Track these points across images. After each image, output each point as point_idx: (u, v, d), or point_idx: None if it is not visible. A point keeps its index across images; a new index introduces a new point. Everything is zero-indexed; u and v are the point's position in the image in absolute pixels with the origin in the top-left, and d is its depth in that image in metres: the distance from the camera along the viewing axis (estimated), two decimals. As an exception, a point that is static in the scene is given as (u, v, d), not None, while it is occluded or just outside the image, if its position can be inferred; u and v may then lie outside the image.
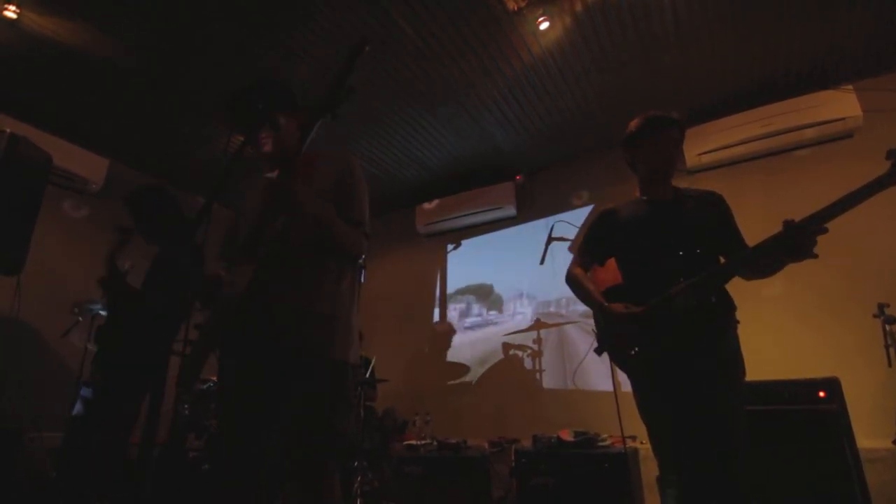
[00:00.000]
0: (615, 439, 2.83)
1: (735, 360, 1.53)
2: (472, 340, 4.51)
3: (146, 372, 2.06)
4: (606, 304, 1.62)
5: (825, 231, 1.36)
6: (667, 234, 1.63)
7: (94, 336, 2.14)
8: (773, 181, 3.39)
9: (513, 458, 2.97)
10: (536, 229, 4.28)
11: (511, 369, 4.18)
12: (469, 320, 4.61)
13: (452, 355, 4.56)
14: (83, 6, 2.68)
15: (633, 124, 1.75)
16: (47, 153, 2.26)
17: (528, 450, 2.93)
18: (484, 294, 4.62)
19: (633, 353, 1.59)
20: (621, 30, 2.87)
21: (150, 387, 2.07)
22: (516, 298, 4.39)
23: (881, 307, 2.51)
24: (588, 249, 1.83)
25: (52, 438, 2.79)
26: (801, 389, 2.22)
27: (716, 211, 1.67)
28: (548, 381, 3.94)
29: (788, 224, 1.39)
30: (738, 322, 1.58)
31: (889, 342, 2.45)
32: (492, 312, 4.51)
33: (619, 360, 1.70)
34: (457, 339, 4.61)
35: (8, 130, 2.06)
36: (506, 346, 4.27)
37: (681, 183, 1.81)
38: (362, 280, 3.49)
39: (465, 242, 4.83)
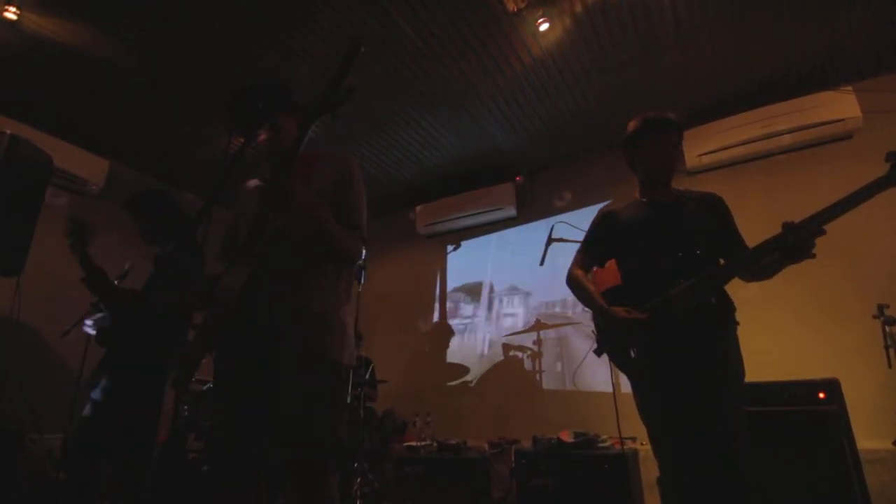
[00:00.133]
0: (615, 440, 2.83)
1: (735, 362, 1.53)
2: (472, 341, 4.51)
3: (150, 372, 2.06)
4: (607, 307, 1.62)
5: (823, 233, 1.37)
6: (667, 235, 1.63)
7: (98, 338, 2.14)
8: (772, 182, 3.39)
9: (513, 458, 2.97)
10: (536, 230, 4.28)
11: (511, 370, 4.18)
12: (469, 320, 4.61)
13: (452, 356, 4.56)
14: (83, 6, 2.68)
15: (632, 125, 1.75)
16: (48, 154, 2.26)
17: (528, 451, 2.93)
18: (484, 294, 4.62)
19: (633, 355, 1.59)
20: (621, 30, 2.87)
21: (155, 387, 2.07)
22: (516, 299, 4.39)
23: (881, 308, 2.51)
24: (588, 250, 1.83)
25: (52, 439, 2.79)
26: (801, 390, 2.22)
27: (716, 213, 1.67)
28: (548, 382, 3.94)
29: (788, 225, 1.40)
30: (737, 323, 1.58)
31: (889, 343, 2.45)
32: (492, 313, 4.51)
33: (619, 362, 1.70)
34: (456, 340, 4.61)
35: (8, 131, 2.06)
36: (506, 347, 4.27)
37: (681, 184, 1.82)
38: (362, 280, 3.50)
39: (464, 243, 4.83)
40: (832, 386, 2.17)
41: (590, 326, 1.94)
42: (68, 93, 3.39)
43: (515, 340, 4.23)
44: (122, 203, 2.28)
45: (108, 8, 2.69)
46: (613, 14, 2.75)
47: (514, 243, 4.54)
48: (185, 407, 2.98)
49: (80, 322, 2.28)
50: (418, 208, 4.82)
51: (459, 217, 4.59)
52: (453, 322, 4.70)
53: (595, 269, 1.85)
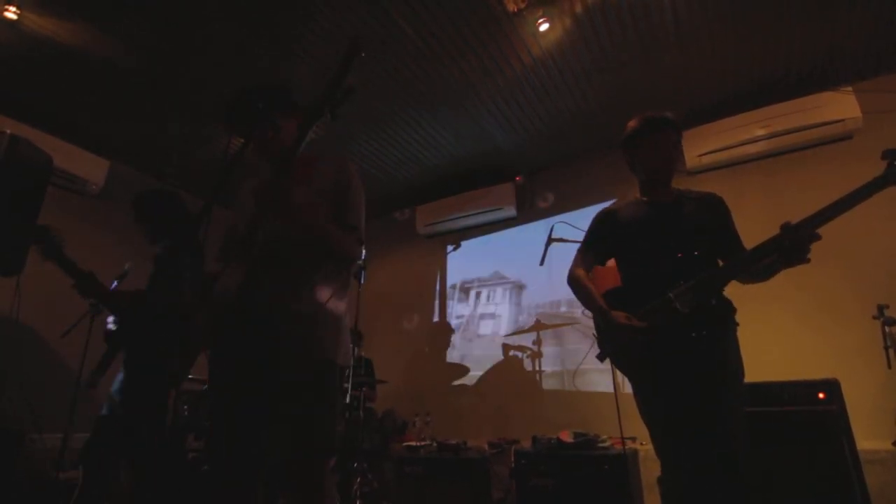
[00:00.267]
0: (615, 440, 2.83)
1: (735, 362, 1.53)
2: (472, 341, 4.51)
3: (150, 372, 2.07)
4: (607, 310, 1.62)
5: (818, 237, 1.38)
6: (666, 235, 1.63)
7: (105, 338, 2.16)
8: (772, 182, 3.39)
9: (512, 459, 2.97)
10: (536, 230, 4.28)
11: (511, 370, 4.18)
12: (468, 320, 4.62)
13: (452, 356, 4.56)
14: (83, 6, 2.68)
15: (631, 125, 1.75)
16: (48, 154, 2.25)
17: (528, 451, 2.92)
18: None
19: (633, 357, 1.59)
20: (621, 30, 2.87)
21: (155, 388, 2.07)
22: (516, 299, 4.39)
23: (881, 308, 2.51)
24: (589, 250, 1.83)
25: (52, 439, 2.79)
26: (801, 391, 2.22)
27: (716, 213, 1.67)
28: (547, 382, 3.94)
29: (785, 226, 1.40)
30: (737, 324, 1.58)
31: (888, 343, 2.45)
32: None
33: (619, 364, 1.70)
34: (456, 339, 4.61)
35: (8, 131, 2.06)
36: (505, 347, 4.27)
37: (681, 184, 1.81)
38: (362, 280, 3.50)
39: (464, 243, 4.84)
40: (832, 386, 2.17)
41: (590, 326, 1.94)
42: (68, 93, 3.39)
43: (515, 340, 4.23)
44: (131, 201, 2.27)
45: (108, 8, 2.69)
46: (613, 14, 2.75)
47: (514, 243, 4.54)
48: (185, 407, 2.98)
49: (81, 321, 2.29)
50: (418, 208, 4.83)
51: (459, 217, 4.59)
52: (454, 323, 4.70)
53: (595, 268, 1.85)
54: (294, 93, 1.55)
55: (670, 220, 1.66)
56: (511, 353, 4.23)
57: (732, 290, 1.61)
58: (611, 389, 2.68)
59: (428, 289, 4.91)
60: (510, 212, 4.43)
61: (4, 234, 2.03)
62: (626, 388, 1.77)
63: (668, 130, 1.68)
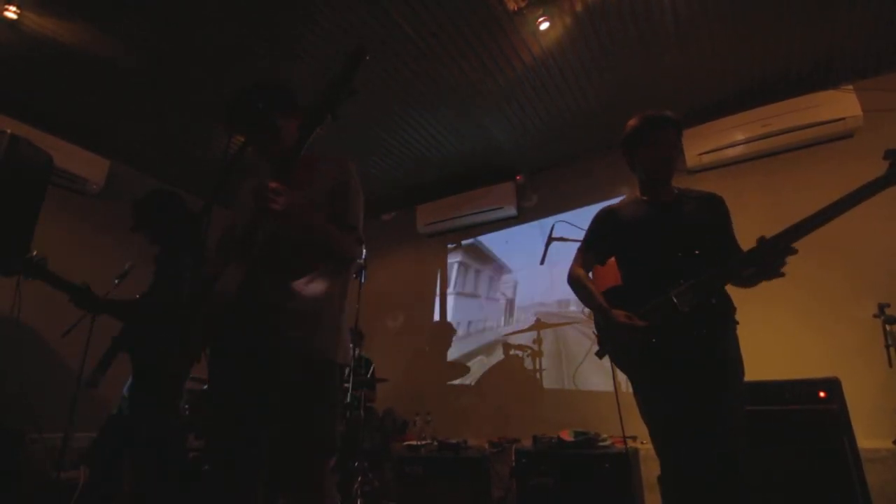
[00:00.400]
0: (615, 439, 2.83)
1: (735, 362, 1.53)
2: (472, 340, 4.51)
3: (150, 374, 2.07)
4: (608, 308, 1.62)
5: (794, 252, 1.39)
6: (666, 234, 1.63)
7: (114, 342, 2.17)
8: (772, 181, 3.39)
9: (513, 458, 2.97)
10: (536, 229, 4.28)
11: (511, 369, 4.18)
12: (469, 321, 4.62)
13: (452, 355, 4.56)
14: (83, 6, 2.68)
15: (631, 124, 1.75)
16: (48, 154, 2.25)
17: (529, 450, 2.93)
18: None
19: (633, 356, 1.59)
20: (621, 30, 2.87)
21: (155, 389, 2.08)
22: (516, 298, 4.39)
23: (881, 307, 2.51)
24: (589, 249, 1.83)
25: (52, 439, 2.78)
26: (802, 389, 2.22)
27: (716, 213, 1.68)
28: (548, 382, 3.94)
29: (761, 241, 1.42)
30: (737, 323, 1.58)
31: (889, 342, 2.45)
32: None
33: (619, 363, 1.70)
34: (456, 339, 4.61)
35: (8, 131, 2.06)
36: (506, 347, 4.28)
37: (681, 183, 1.81)
38: (363, 280, 3.49)
39: (465, 243, 4.84)
40: (832, 385, 2.17)
41: (590, 325, 1.94)
42: (68, 93, 3.39)
43: (516, 340, 4.23)
44: (131, 207, 2.27)
45: (108, 8, 2.68)
46: (614, 13, 2.74)
47: (514, 243, 4.54)
48: (186, 407, 2.98)
49: (81, 321, 2.29)
50: (418, 208, 4.82)
51: (459, 216, 4.59)
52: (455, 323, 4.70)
53: (595, 267, 1.85)
54: (294, 93, 1.55)
55: (670, 220, 1.66)
56: (511, 352, 4.23)
57: (733, 290, 1.61)
58: (611, 388, 2.67)
59: (428, 288, 4.91)
60: (510, 211, 4.43)
61: (5, 234, 2.03)
62: (627, 387, 1.77)
63: (668, 129, 1.68)
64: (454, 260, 4.88)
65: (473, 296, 4.66)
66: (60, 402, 2.62)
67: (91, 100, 3.46)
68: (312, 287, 1.36)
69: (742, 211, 1.77)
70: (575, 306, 3.92)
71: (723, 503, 1.39)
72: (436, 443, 3.47)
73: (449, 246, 4.91)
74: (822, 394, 2.17)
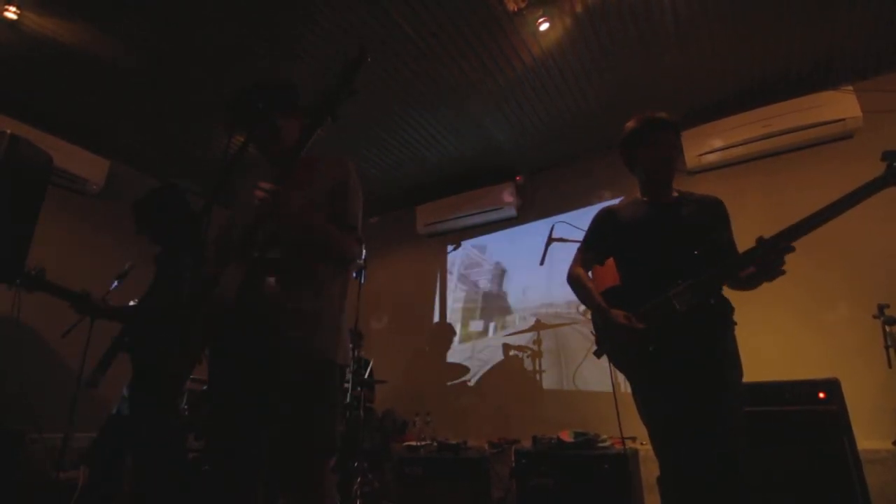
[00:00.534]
0: (615, 440, 2.83)
1: (733, 362, 1.53)
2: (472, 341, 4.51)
3: (150, 374, 2.07)
4: (606, 308, 1.62)
5: (792, 250, 1.39)
6: (666, 235, 1.63)
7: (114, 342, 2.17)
8: (772, 182, 3.39)
9: (513, 458, 2.97)
10: (536, 229, 4.28)
11: (511, 370, 4.18)
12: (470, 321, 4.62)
13: (452, 356, 4.56)
14: (83, 6, 2.68)
15: (629, 126, 1.75)
16: (48, 154, 2.25)
17: (528, 450, 2.93)
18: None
19: (631, 356, 1.59)
20: (621, 30, 2.87)
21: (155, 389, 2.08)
22: (516, 299, 4.39)
23: (881, 308, 2.51)
24: (589, 248, 1.83)
25: (52, 439, 2.79)
26: (802, 390, 2.22)
27: (715, 216, 1.68)
28: (548, 382, 3.94)
29: (760, 240, 1.42)
30: (735, 323, 1.58)
31: (889, 343, 2.45)
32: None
33: (618, 363, 1.70)
34: (456, 339, 4.61)
35: (8, 131, 2.06)
36: (506, 347, 4.27)
37: (681, 183, 1.81)
38: (362, 280, 3.50)
39: (464, 243, 4.84)
40: (832, 386, 2.17)
41: (589, 326, 1.94)
42: (68, 93, 3.39)
43: (515, 340, 4.23)
44: (132, 207, 2.26)
45: (108, 8, 2.69)
46: (614, 14, 2.74)
47: (514, 243, 4.53)
48: (185, 407, 2.98)
49: (81, 321, 2.29)
50: (418, 208, 4.82)
51: (459, 217, 4.59)
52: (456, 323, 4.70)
53: (595, 266, 1.85)
54: (296, 91, 1.55)
55: (670, 220, 1.66)
56: (511, 352, 4.23)
57: (733, 292, 1.61)
58: (611, 389, 2.68)
59: (428, 289, 4.91)
60: (510, 211, 4.43)
61: (4, 233, 2.03)
62: (626, 387, 1.77)
63: (667, 131, 1.69)
64: (454, 260, 4.88)
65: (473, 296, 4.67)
66: (60, 402, 2.62)
67: (91, 100, 3.46)
68: (313, 287, 1.37)
69: (742, 211, 1.77)
70: (575, 307, 3.92)
71: (723, 503, 1.39)
72: (435, 443, 3.47)
73: (449, 246, 4.91)
74: (821, 394, 2.17)
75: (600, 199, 3.82)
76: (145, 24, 2.80)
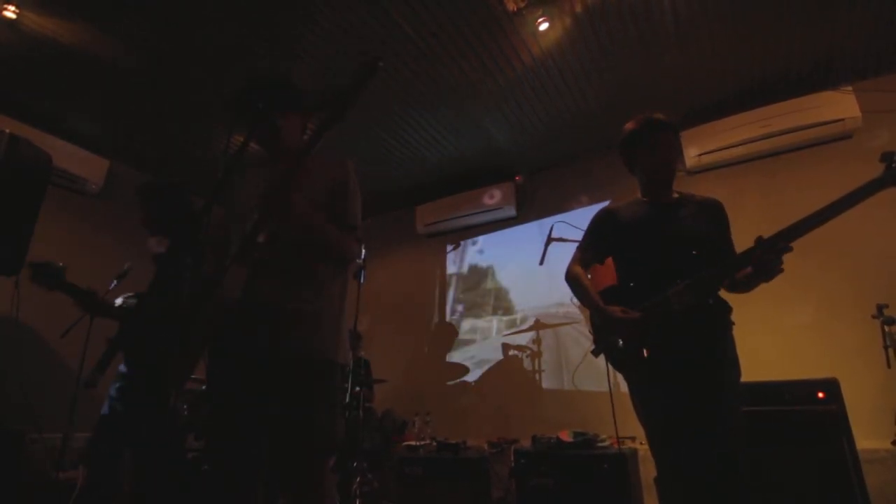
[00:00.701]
0: (614, 440, 2.83)
1: (731, 362, 1.53)
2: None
3: (150, 374, 2.07)
4: (604, 306, 1.62)
5: (789, 250, 1.39)
6: (665, 235, 1.63)
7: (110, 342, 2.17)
8: (772, 182, 3.39)
9: (512, 458, 2.98)
10: (536, 229, 4.28)
11: (510, 370, 4.18)
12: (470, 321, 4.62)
13: (452, 356, 4.56)
14: (83, 6, 2.68)
15: (629, 127, 1.75)
16: (47, 153, 2.26)
17: (528, 450, 2.93)
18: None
19: (630, 353, 1.59)
20: (621, 30, 2.87)
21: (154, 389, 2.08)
22: (515, 299, 4.39)
23: (880, 308, 2.51)
24: (589, 248, 1.83)
25: (52, 439, 2.79)
26: (801, 390, 2.22)
27: (715, 218, 1.68)
28: (547, 382, 3.94)
29: (759, 240, 1.42)
30: (733, 323, 1.58)
31: (888, 343, 2.45)
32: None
33: (615, 362, 1.70)
34: (456, 339, 4.61)
35: (8, 131, 2.06)
36: (505, 347, 4.28)
37: (680, 183, 1.82)
38: (362, 280, 3.49)
39: (464, 243, 4.84)
40: (831, 386, 2.18)
41: (589, 326, 1.94)
42: (68, 93, 3.39)
43: (515, 340, 4.23)
44: (137, 188, 2.25)
45: (108, 8, 2.69)
46: (613, 14, 2.74)
47: (513, 243, 4.54)
48: (185, 407, 2.98)
49: (80, 321, 2.29)
50: (418, 208, 4.82)
51: (459, 216, 4.59)
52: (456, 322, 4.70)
53: (594, 266, 1.85)
54: (298, 89, 1.55)
55: (669, 221, 1.66)
56: (510, 352, 4.23)
57: (731, 293, 1.61)
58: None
59: (428, 288, 4.91)
60: (510, 211, 4.43)
61: (4, 233, 2.03)
62: (624, 387, 1.77)
63: (666, 132, 1.69)
64: (454, 260, 4.88)
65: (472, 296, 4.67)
66: (60, 402, 2.62)
67: (91, 100, 3.46)
68: (312, 287, 1.37)
69: (741, 211, 1.77)
70: (575, 307, 3.92)
71: (723, 503, 1.39)
72: (435, 443, 3.47)
73: (448, 246, 4.91)
74: (820, 394, 2.17)
75: (600, 199, 3.82)
76: (145, 24, 2.80)
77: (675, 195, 1.74)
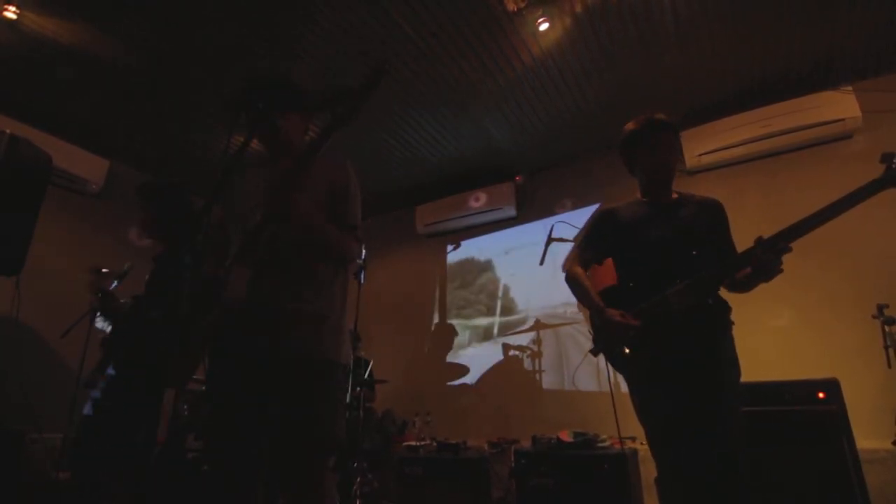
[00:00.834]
0: (615, 440, 2.83)
1: (731, 362, 1.53)
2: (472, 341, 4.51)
3: (148, 374, 2.06)
4: (603, 307, 1.62)
5: (789, 250, 1.39)
6: (665, 235, 1.63)
7: (105, 344, 2.16)
8: (772, 182, 3.39)
9: (512, 458, 2.98)
10: (536, 229, 4.28)
11: (511, 370, 4.18)
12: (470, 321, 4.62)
13: (452, 356, 4.56)
14: (83, 6, 2.68)
15: (629, 127, 1.75)
16: (47, 154, 2.26)
17: (528, 450, 2.93)
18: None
19: (629, 355, 1.59)
20: (621, 30, 2.87)
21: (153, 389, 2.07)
22: (516, 299, 4.39)
23: (880, 308, 2.51)
24: (588, 248, 1.83)
25: (52, 439, 2.79)
26: (801, 390, 2.22)
27: (715, 218, 1.68)
28: (547, 382, 3.94)
29: (759, 241, 1.42)
30: (732, 323, 1.58)
31: (888, 343, 2.45)
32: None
33: (615, 363, 1.70)
34: (456, 339, 4.61)
35: (8, 131, 2.06)
36: (505, 347, 4.28)
37: (680, 183, 1.82)
38: (362, 280, 3.49)
39: (464, 243, 4.84)
40: (832, 386, 2.18)
41: (589, 326, 1.94)
42: (68, 93, 3.39)
43: (515, 340, 4.23)
44: (137, 188, 2.25)
45: (108, 8, 2.69)
46: (613, 14, 2.74)
47: (513, 243, 4.53)
48: (185, 407, 2.98)
49: (80, 321, 2.30)
50: (418, 208, 4.82)
51: (459, 217, 4.59)
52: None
53: (593, 266, 1.85)
54: (298, 89, 1.55)
55: (669, 221, 1.66)
56: (511, 352, 4.23)
57: (731, 293, 1.61)
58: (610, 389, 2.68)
59: (428, 289, 4.91)
60: (510, 211, 4.43)
61: (4, 233, 2.03)
62: (625, 387, 1.77)
63: (666, 132, 1.69)
64: (454, 260, 4.88)
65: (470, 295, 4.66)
66: (60, 402, 2.63)
67: (91, 100, 3.46)
68: (313, 287, 1.37)
69: (741, 212, 1.77)
70: (575, 307, 3.92)
71: (723, 503, 1.39)
72: (435, 443, 3.47)
73: (448, 246, 4.91)
74: (821, 394, 2.17)
75: (600, 200, 3.82)
76: (145, 24, 2.80)
77: (675, 195, 1.74)
